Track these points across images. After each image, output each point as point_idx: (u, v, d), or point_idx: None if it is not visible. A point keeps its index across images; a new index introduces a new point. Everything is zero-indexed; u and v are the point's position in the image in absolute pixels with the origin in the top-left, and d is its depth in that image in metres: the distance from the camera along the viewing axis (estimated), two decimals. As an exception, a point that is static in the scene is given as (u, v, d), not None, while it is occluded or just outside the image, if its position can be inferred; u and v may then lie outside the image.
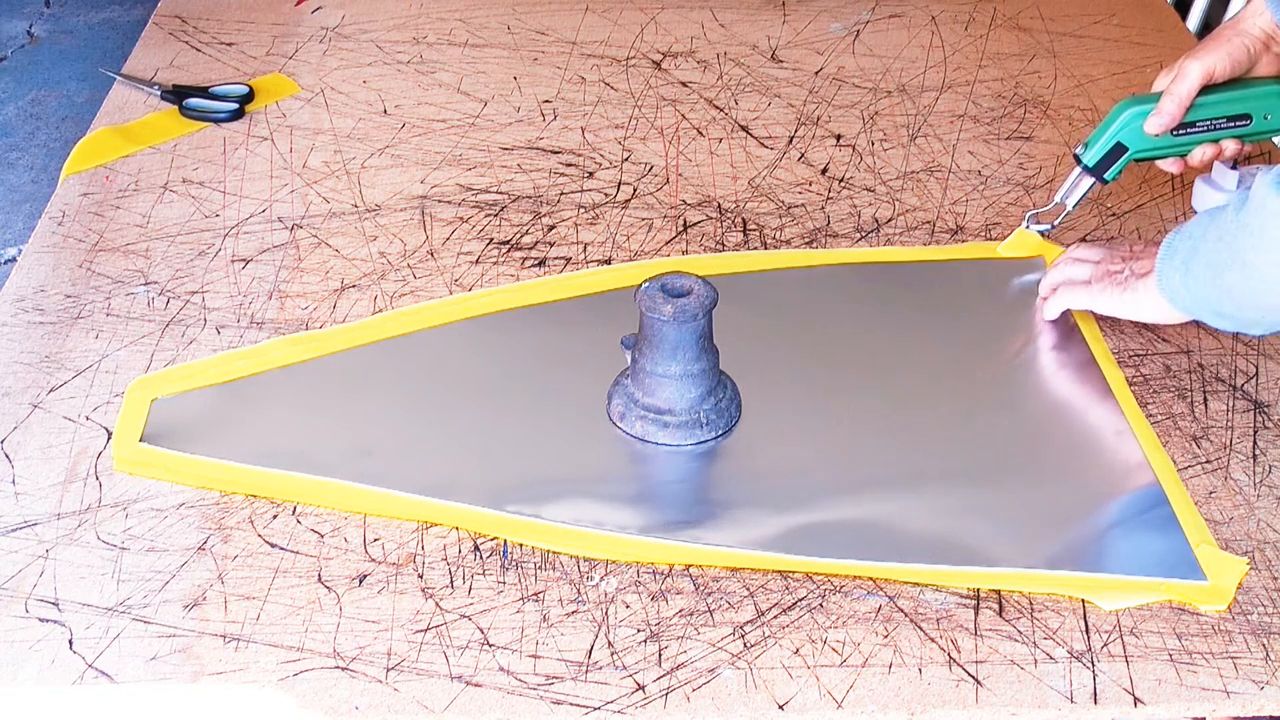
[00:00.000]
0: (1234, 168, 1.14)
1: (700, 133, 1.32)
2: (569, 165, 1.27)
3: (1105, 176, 1.08)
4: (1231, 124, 1.05)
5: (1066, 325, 1.07)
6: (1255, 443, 0.97)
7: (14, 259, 2.05)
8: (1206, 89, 1.03)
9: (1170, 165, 1.09)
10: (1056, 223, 1.14)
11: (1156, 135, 1.04)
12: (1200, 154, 1.06)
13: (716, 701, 0.79)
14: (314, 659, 0.81)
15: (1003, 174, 1.26)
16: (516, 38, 1.49)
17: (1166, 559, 0.88)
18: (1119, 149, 1.06)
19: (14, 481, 0.93)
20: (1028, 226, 1.14)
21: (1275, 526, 0.90)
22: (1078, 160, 1.09)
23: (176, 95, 1.36)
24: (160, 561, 0.87)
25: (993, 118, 1.34)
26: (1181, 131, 1.04)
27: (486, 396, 1.00)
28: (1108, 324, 1.06)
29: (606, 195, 1.23)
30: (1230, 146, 1.06)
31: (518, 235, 1.17)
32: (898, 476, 0.94)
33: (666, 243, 1.17)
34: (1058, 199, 1.12)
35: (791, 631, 0.83)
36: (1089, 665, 0.81)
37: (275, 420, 0.98)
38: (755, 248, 1.16)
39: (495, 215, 1.20)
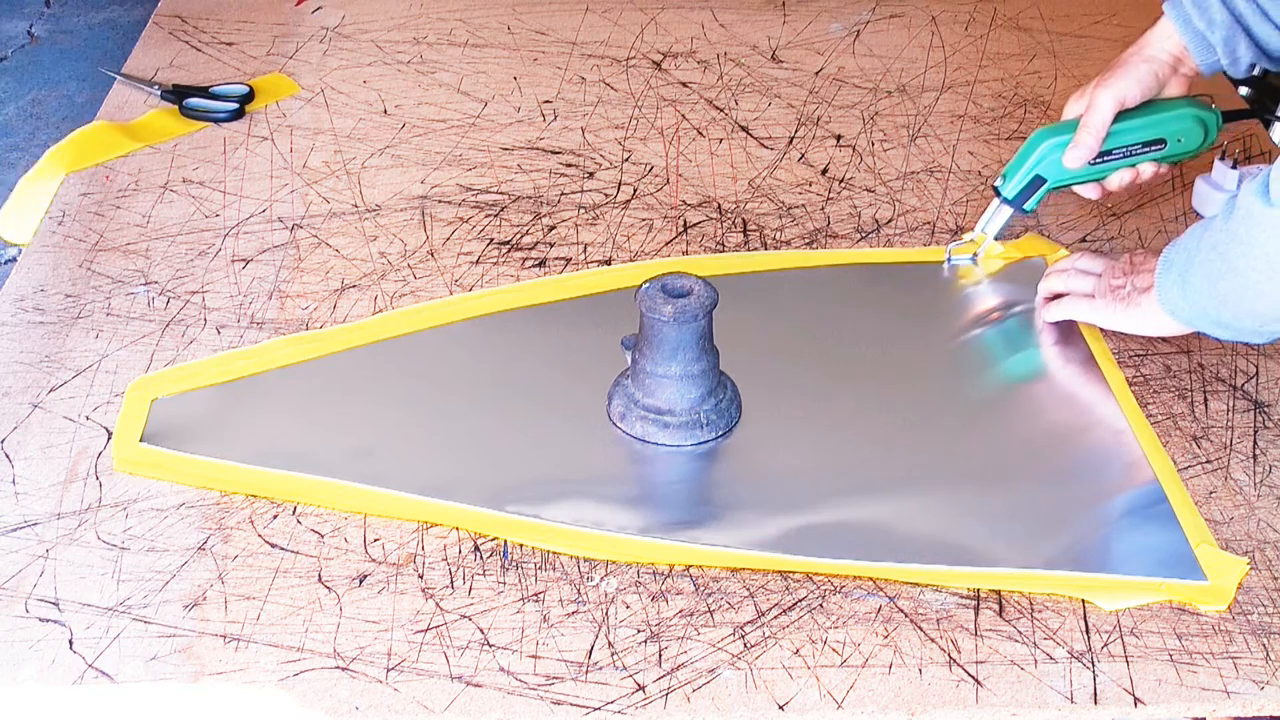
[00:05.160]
0: (1234, 167, 1.14)
1: (700, 133, 1.32)
2: (569, 165, 1.27)
3: (1025, 207, 1.09)
4: (1147, 149, 1.06)
5: (1066, 325, 1.07)
6: (1255, 443, 0.97)
7: (14, 259, 2.05)
8: (1120, 115, 1.03)
9: (1089, 191, 1.09)
10: (979, 253, 1.13)
11: (1076, 169, 1.05)
12: (1119, 179, 1.07)
13: (716, 702, 0.79)
14: (314, 659, 0.81)
15: (1003, 174, 1.26)
16: (516, 38, 1.49)
17: (1166, 559, 0.88)
18: (1038, 181, 1.07)
19: (14, 481, 0.93)
20: (949, 260, 1.13)
21: (1275, 526, 0.90)
22: (997, 192, 1.09)
23: (176, 95, 1.36)
24: (160, 561, 0.88)
25: (993, 118, 1.34)
26: (1098, 160, 1.05)
27: (486, 396, 1.00)
28: (1108, 324, 1.06)
29: (607, 196, 1.23)
30: (1148, 169, 1.07)
31: (518, 235, 1.17)
32: (898, 477, 0.94)
33: (667, 243, 1.17)
34: (978, 230, 1.12)
35: (792, 632, 0.83)
36: (1089, 665, 0.81)
37: (275, 420, 0.98)
38: (755, 248, 1.16)
39: (495, 215, 1.20)
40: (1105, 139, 1.04)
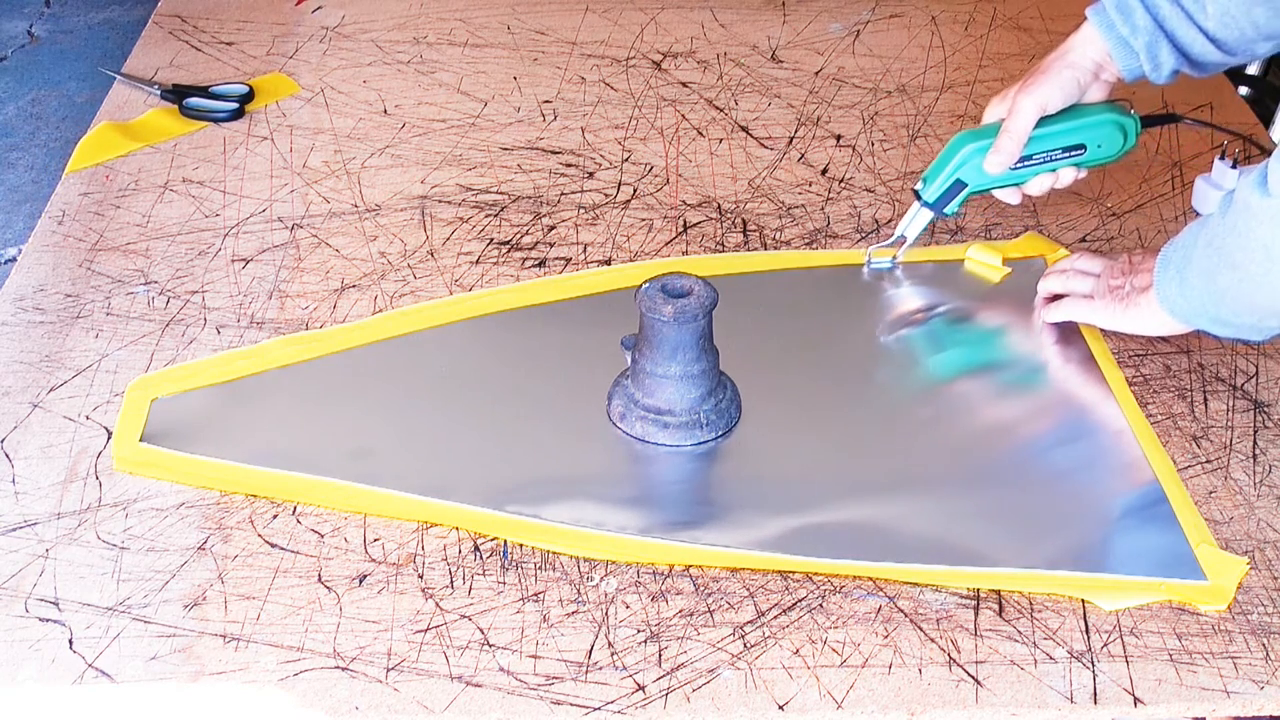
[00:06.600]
0: (1234, 166, 1.14)
1: (700, 133, 1.32)
2: (569, 165, 1.27)
3: (946, 211, 1.09)
4: (1067, 154, 1.06)
5: (1066, 325, 1.07)
6: (1255, 442, 0.97)
7: (14, 259, 2.05)
8: (1041, 120, 1.03)
9: (1009, 196, 1.09)
10: (899, 256, 1.13)
11: (997, 174, 1.05)
12: (1039, 184, 1.07)
13: (716, 702, 0.79)
14: (314, 659, 0.81)
15: (1003, 174, 1.26)
16: (516, 38, 1.49)
17: (1166, 559, 0.88)
18: (959, 185, 1.07)
19: (14, 481, 0.93)
20: (869, 263, 1.13)
21: (1275, 526, 0.90)
22: (917, 196, 1.09)
23: (176, 95, 1.36)
24: (160, 561, 0.88)
25: (993, 118, 1.34)
26: (1019, 164, 1.05)
27: (486, 396, 1.00)
28: (1108, 324, 1.06)
29: (606, 196, 1.23)
30: (1068, 175, 1.07)
31: (518, 235, 1.17)
32: (898, 477, 0.94)
33: (667, 243, 1.17)
34: (898, 233, 1.12)
35: (791, 632, 0.83)
36: (1089, 665, 0.81)
37: (275, 420, 0.98)
38: (755, 248, 1.16)
39: (495, 215, 1.20)
40: (1026, 144, 1.04)
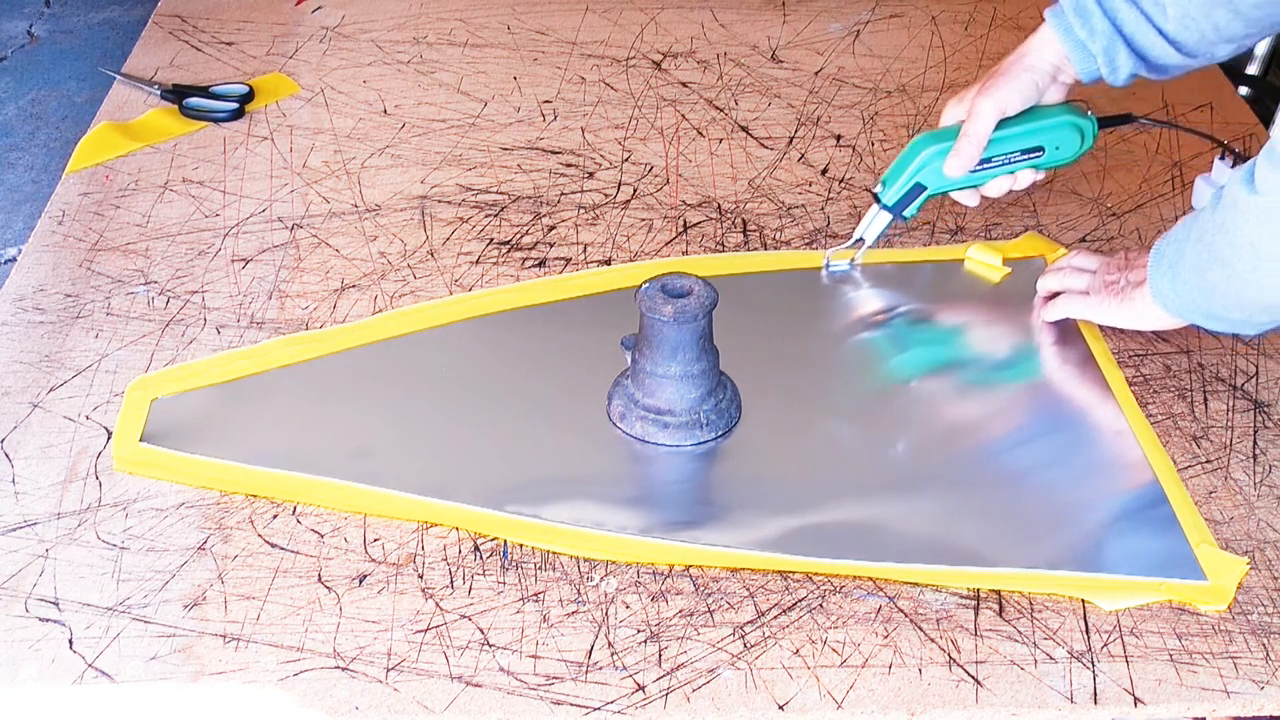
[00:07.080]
0: (1234, 166, 1.14)
1: (700, 133, 1.32)
2: (569, 165, 1.27)
3: (905, 214, 1.09)
4: (1025, 156, 1.06)
5: (1066, 325, 1.07)
6: (1255, 442, 0.97)
7: (14, 259, 2.05)
8: (999, 123, 1.03)
9: (967, 198, 1.09)
10: (857, 259, 1.13)
11: (956, 177, 1.05)
12: (997, 186, 1.07)
13: (716, 702, 0.79)
14: (314, 659, 0.81)
15: (1003, 174, 1.26)
16: (516, 38, 1.49)
17: (1166, 559, 0.88)
18: (918, 188, 1.07)
19: (14, 481, 0.93)
20: (828, 265, 1.13)
21: (1275, 526, 0.90)
22: (876, 199, 1.09)
23: (176, 95, 1.36)
24: (160, 561, 0.88)
25: (993, 118, 1.34)
26: (978, 167, 1.05)
27: (486, 396, 1.00)
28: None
29: (606, 196, 1.23)
30: (1026, 177, 1.07)
31: (518, 235, 1.17)
32: (898, 477, 0.94)
33: (667, 243, 1.17)
34: (857, 235, 1.12)
35: (791, 632, 0.83)
36: (1089, 665, 0.81)
37: (275, 420, 0.98)
38: (755, 248, 1.16)
39: (495, 215, 1.20)
40: (985, 147, 1.04)
